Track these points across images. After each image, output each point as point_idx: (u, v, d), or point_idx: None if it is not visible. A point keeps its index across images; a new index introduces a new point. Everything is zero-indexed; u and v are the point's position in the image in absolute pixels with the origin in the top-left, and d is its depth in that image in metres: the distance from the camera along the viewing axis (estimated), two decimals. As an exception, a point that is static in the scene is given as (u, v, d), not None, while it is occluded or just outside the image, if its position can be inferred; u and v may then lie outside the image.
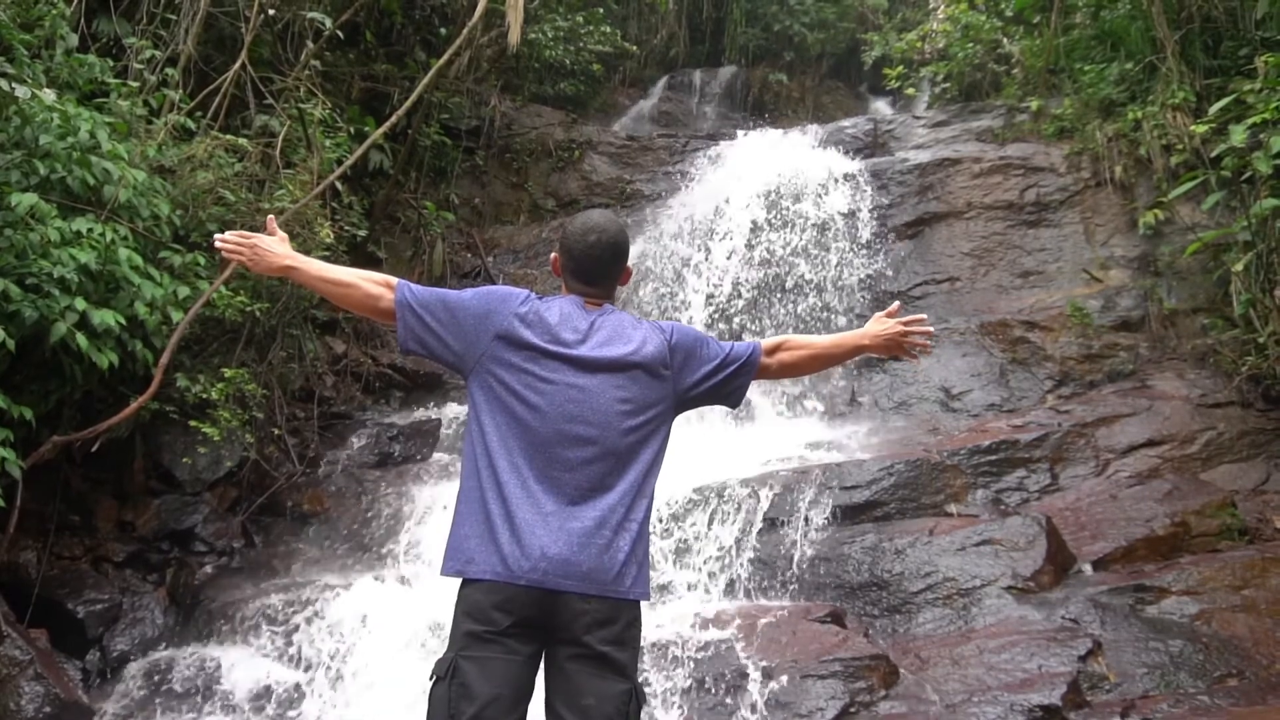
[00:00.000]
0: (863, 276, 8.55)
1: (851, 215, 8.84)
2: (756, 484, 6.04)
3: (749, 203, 8.95)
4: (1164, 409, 6.84)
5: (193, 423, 5.99)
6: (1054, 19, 9.64)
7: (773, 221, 8.82)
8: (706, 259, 8.76)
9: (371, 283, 2.75)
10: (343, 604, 5.49)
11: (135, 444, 6.25)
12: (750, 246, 8.72)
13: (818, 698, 4.54)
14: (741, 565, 5.68)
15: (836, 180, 9.03)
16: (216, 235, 2.84)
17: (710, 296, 8.56)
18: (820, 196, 8.94)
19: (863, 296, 8.37)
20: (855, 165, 9.25)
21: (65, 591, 5.61)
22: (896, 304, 3.08)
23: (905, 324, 2.96)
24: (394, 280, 2.75)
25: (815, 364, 3.00)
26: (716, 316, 8.45)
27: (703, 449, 6.64)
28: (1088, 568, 5.51)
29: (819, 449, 6.81)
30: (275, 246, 2.81)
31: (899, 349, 2.99)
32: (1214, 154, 7.10)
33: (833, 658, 4.70)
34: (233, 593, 5.83)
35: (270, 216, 3.03)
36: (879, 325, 2.97)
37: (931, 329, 3.00)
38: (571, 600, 2.47)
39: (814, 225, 8.78)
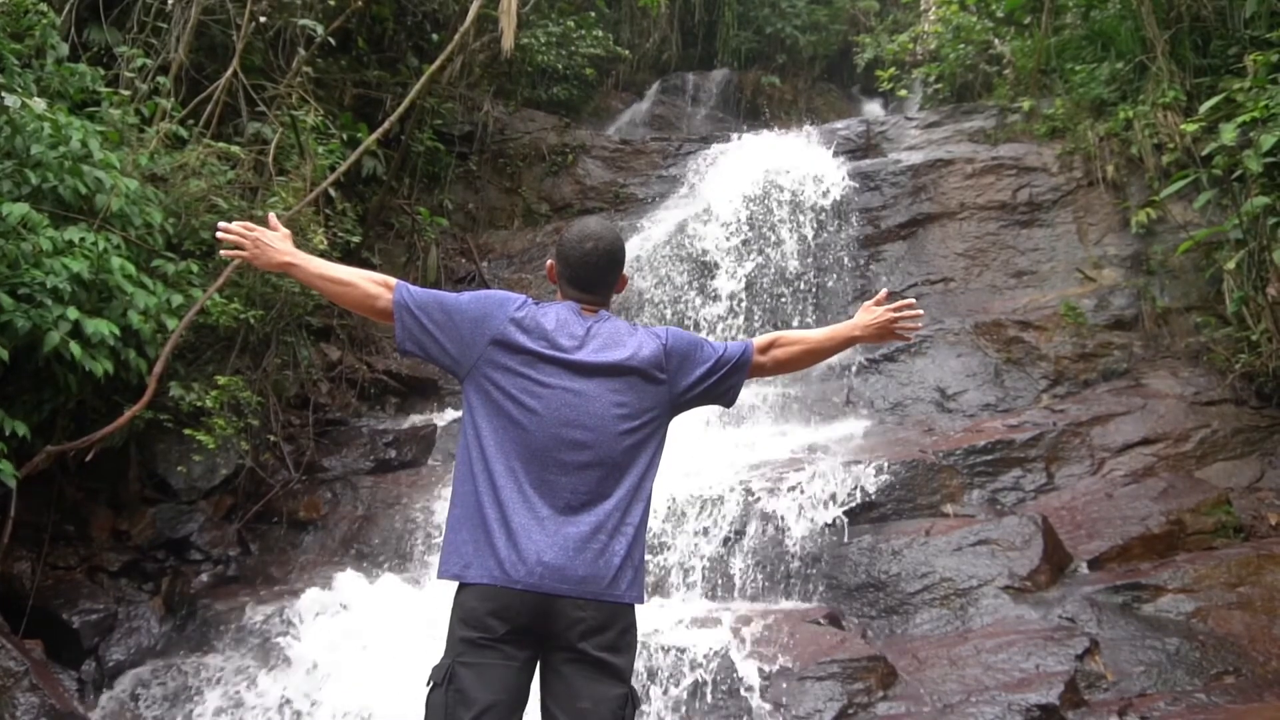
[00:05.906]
0: (857, 278, 8.56)
1: (845, 217, 8.85)
2: (752, 485, 6.04)
3: (743, 204, 8.96)
4: (1158, 407, 6.85)
5: (187, 431, 5.98)
6: (1045, 20, 9.68)
7: (767, 222, 8.83)
8: (702, 261, 8.76)
9: (370, 282, 2.76)
10: (340, 611, 5.47)
11: (130, 453, 6.24)
12: (744, 247, 8.72)
13: (816, 699, 4.54)
14: (737, 567, 5.68)
15: (831, 182, 9.05)
16: (220, 224, 2.84)
17: (704, 298, 8.56)
18: (815, 198, 8.96)
19: (856, 298, 8.38)
20: (849, 167, 9.27)
21: (60, 602, 5.60)
22: (884, 291, 3.09)
23: (894, 310, 2.97)
24: (393, 281, 2.76)
25: (809, 358, 3.00)
26: (711, 317, 8.45)
27: (698, 451, 6.64)
28: (1084, 567, 5.52)
29: (815, 450, 6.81)
30: (277, 242, 2.80)
31: (890, 335, 3.00)
32: (1205, 153, 7.13)
33: (830, 659, 4.70)
34: (229, 601, 5.82)
35: (271, 214, 3.02)
36: (868, 315, 2.98)
37: (920, 311, 3.01)
38: (566, 606, 2.47)
39: (808, 226, 8.79)
